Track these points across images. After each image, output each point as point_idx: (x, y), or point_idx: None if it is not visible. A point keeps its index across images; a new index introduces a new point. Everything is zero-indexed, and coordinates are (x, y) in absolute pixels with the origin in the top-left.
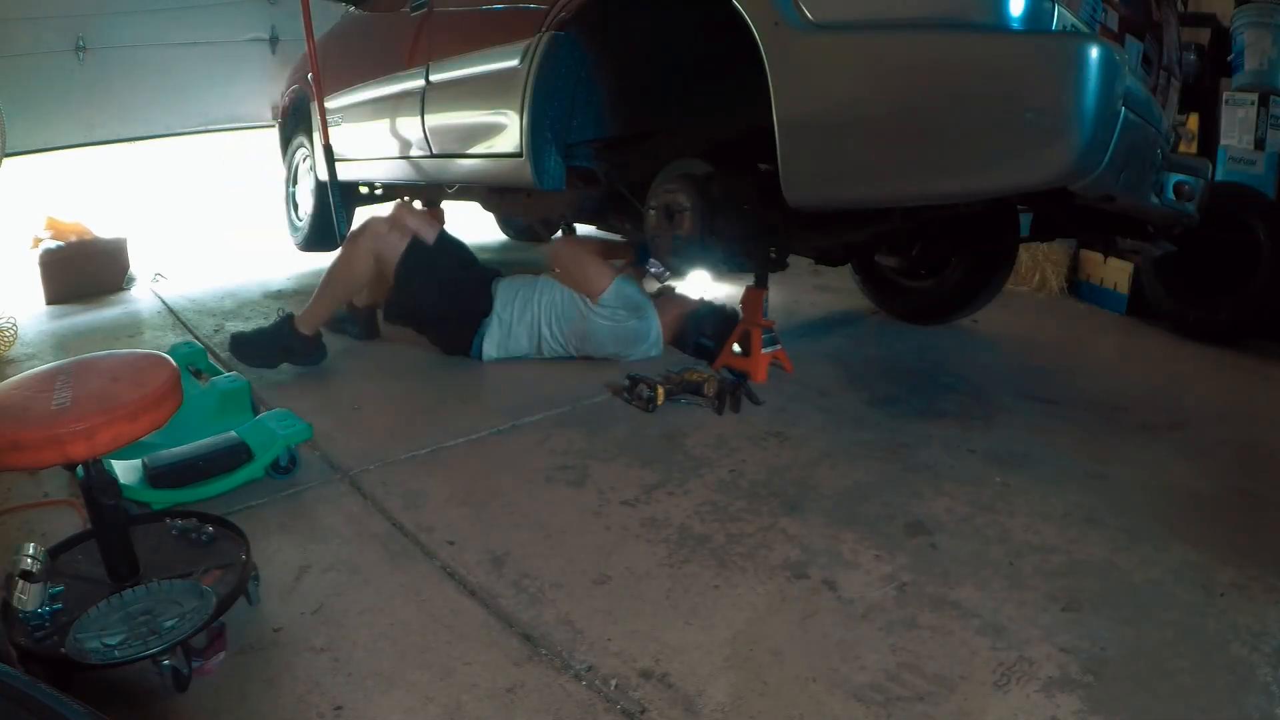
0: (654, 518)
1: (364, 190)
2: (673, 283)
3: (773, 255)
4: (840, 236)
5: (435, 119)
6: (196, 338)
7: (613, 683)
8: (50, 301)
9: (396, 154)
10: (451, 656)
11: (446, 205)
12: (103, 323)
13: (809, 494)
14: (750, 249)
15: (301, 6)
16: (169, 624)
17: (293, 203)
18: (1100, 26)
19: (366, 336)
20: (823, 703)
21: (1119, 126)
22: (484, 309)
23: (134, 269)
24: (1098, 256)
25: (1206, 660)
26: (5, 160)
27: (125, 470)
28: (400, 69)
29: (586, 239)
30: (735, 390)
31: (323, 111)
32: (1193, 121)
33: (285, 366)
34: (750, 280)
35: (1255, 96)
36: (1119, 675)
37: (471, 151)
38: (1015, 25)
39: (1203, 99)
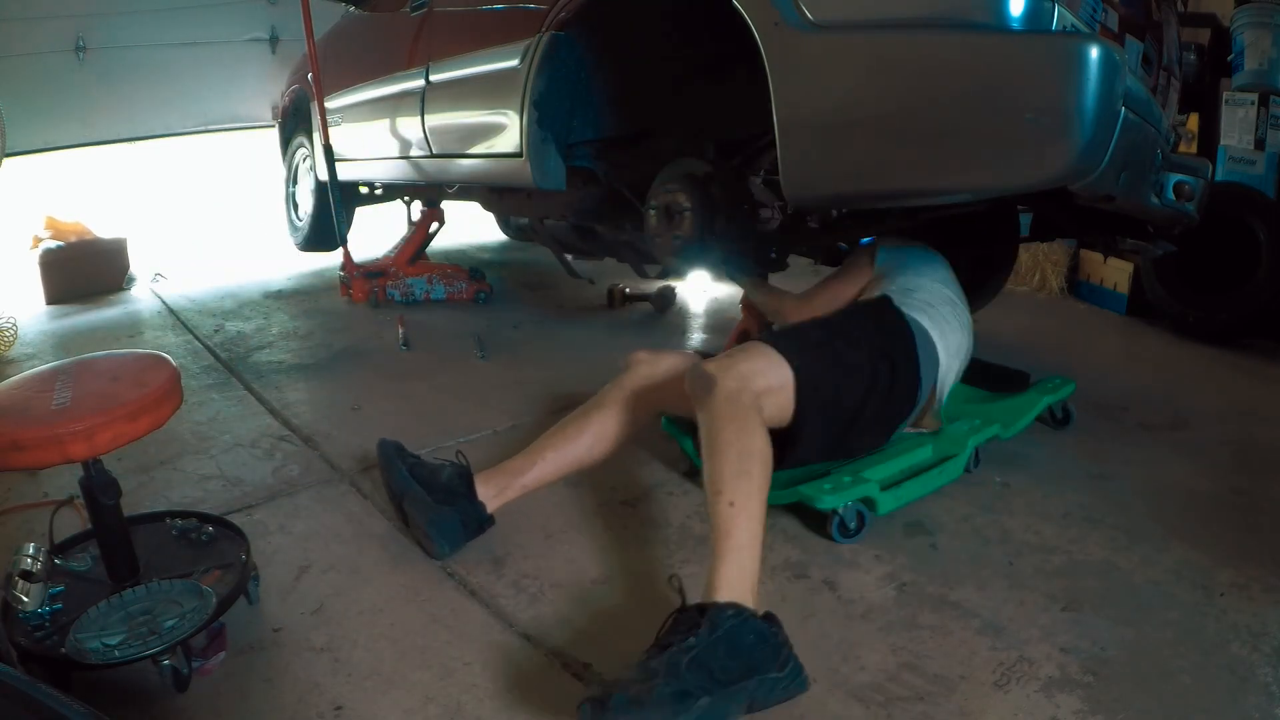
0: (654, 518)
1: (364, 190)
2: (673, 283)
3: (773, 255)
4: (840, 236)
5: (435, 119)
6: (197, 338)
7: None
8: (50, 301)
9: (396, 154)
10: (451, 656)
11: (446, 205)
12: (103, 323)
13: None
14: (750, 249)
15: (301, 6)
16: (169, 624)
17: (293, 203)
18: (1100, 26)
19: None
20: (823, 703)
21: (1119, 126)
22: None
23: (134, 269)
24: (1098, 256)
25: (1206, 660)
26: (5, 160)
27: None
28: (400, 69)
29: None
30: None
31: (323, 111)
32: (1193, 121)
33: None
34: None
35: (1255, 96)
36: (1119, 675)
37: (471, 151)
38: (1015, 25)
39: (1203, 99)
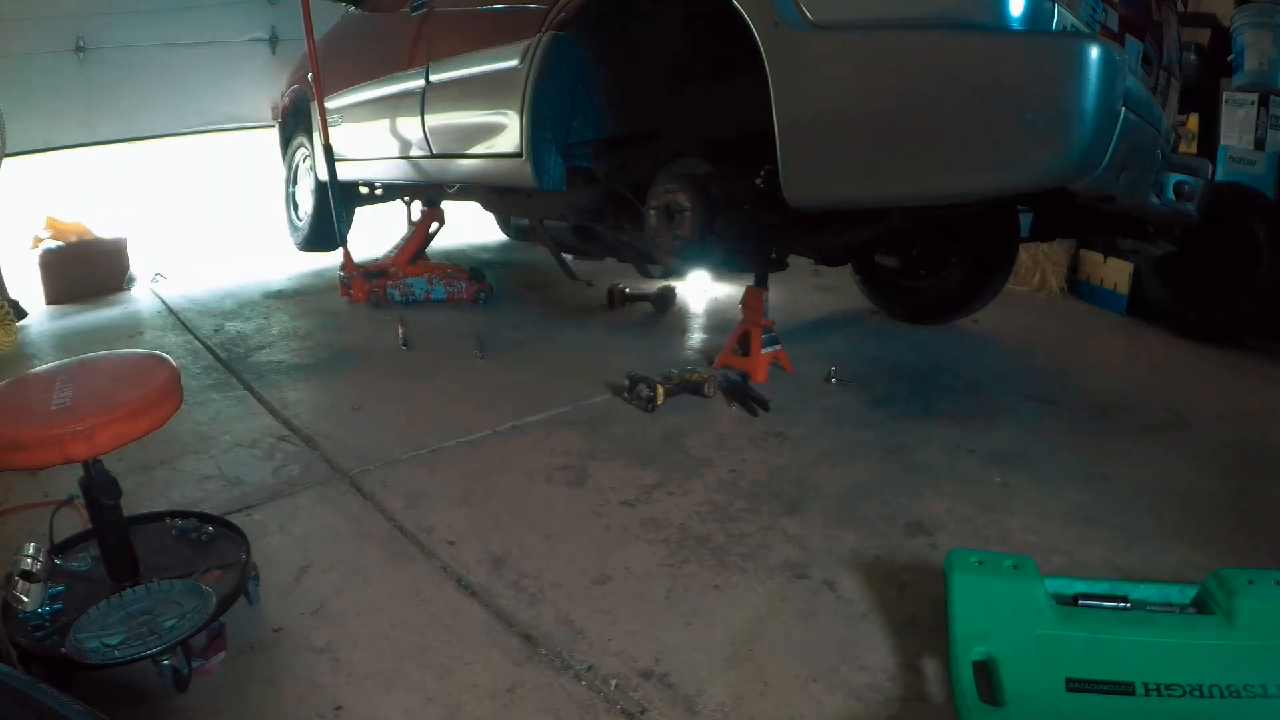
0: (654, 518)
1: (364, 190)
2: (673, 282)
3: (773, 255)
4: (840, 236)
5: (435, 119)
6: (197, 338)
7: (613, 683)
8: (50, 301)
9: (396, 154)
10: (451, 656)
11: (446, 205)
12: (103, 323)
13: (809, 494)
14: (750, 249)
15: (301, 6)
16: (169, 624)
17: (293, 203)
18: (1100, 26)
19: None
20: (823, 703)
21: (1119, 126)
22: None
23: (134, 269)
24: (1098, 256)
25: None
26: (5, 160)
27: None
28: (400, 69)
29: None
30: (745, 398)
31: (323, 111)
32: (1193, 121)
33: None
34: (750, 280)
35: (1255, 96)
36: None
37: (471, 151)
38: (1015, 25)
39: (1203, 99)
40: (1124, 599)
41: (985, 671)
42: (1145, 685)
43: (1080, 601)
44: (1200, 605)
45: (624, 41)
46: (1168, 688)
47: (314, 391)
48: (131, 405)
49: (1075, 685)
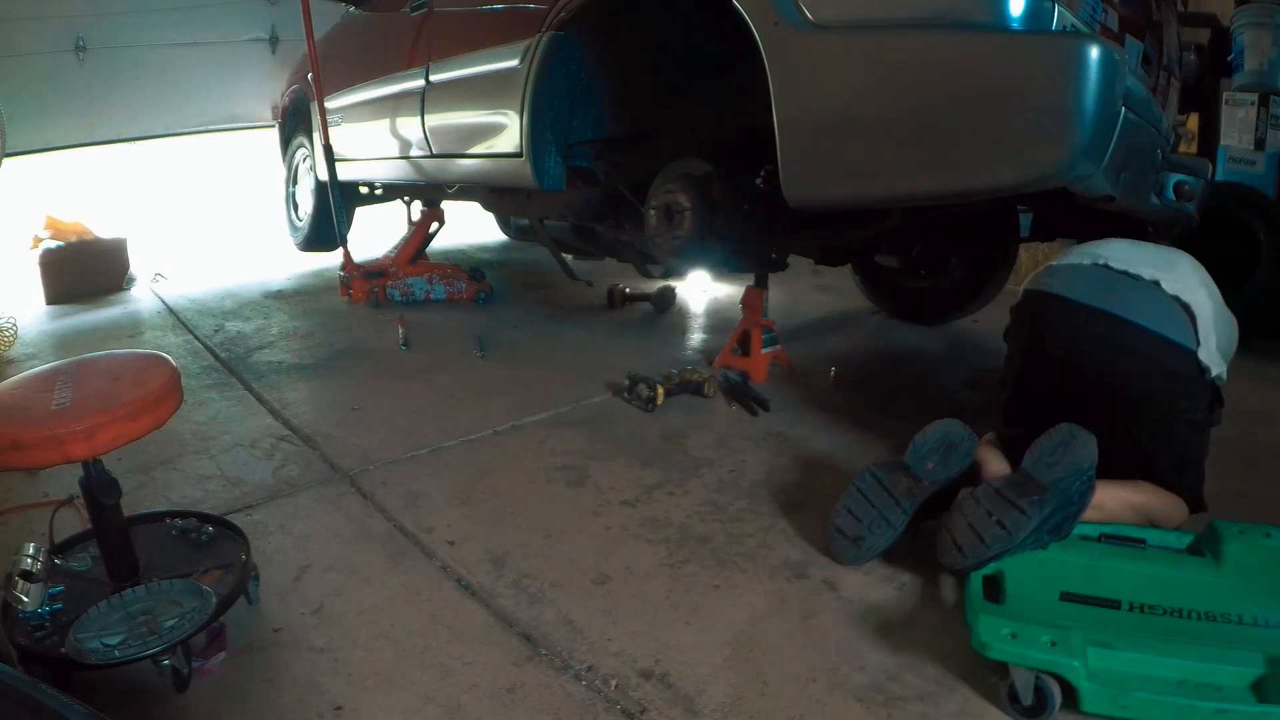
0: (654, 518)
1: (364, 190)
2: (673, 282)
3: (773, 255)
4: (840, 236)
5: (435, 119)
6: (197, 338)
7: (613, 683)
8: (50, 301)
9: (397, 154)
10: (451, 656)
11: (446, 205)
12: (103, 323)
13: (809, 494)
14: (750, 249)
15: (301, 6)
16: (169, 624)
17: (293, 203)
18: (1100, 26)
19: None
20: (823, 703)
21: (1119, 127)
22: None
23: (134, 269)
24: None
25: None
26: (5, 160)
27: None
28: (400, 69)
29: None
30: (745, 398)
31: (323, 111)
32: (1193, 121)
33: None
34: (750, 280)
35: (1255, 96)
36: None
37: (471, 151)
38: (1015, 25)
39: (1203, 99)
40: (1142, 541)
41: (994, 585)
42: (1130, 604)
43: (1103, 538)
44: (1195, 550)
45: (624, 41)
46: (1150, 608)
47: (314, 391)
48: (131, 405)
49: (1067, 597)
